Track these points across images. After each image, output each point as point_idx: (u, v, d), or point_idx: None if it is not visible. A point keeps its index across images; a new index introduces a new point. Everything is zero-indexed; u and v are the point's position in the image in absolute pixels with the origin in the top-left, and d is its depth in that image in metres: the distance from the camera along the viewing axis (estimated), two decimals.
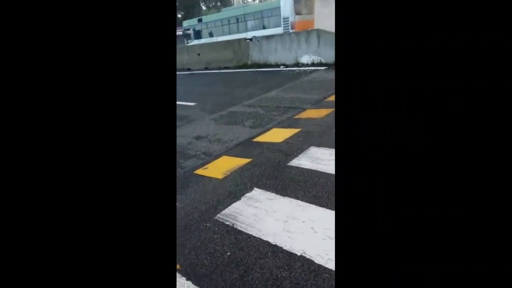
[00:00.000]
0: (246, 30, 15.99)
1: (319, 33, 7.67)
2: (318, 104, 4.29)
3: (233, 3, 20.45)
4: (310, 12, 15.07)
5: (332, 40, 7.36)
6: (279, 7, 14.24)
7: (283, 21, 14.32)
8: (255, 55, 9.30)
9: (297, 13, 14.12)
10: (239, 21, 16.33)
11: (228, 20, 16.89)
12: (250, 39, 9.69)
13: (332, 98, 4.46)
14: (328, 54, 7.45)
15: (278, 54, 8.69)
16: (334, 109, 3.61)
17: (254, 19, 15.70)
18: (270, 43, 8.94)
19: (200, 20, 18.81)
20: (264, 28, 15.25)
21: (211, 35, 17.84)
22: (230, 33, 16.66)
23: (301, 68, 7.65)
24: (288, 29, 14.23)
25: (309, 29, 7.94)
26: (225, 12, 17.85)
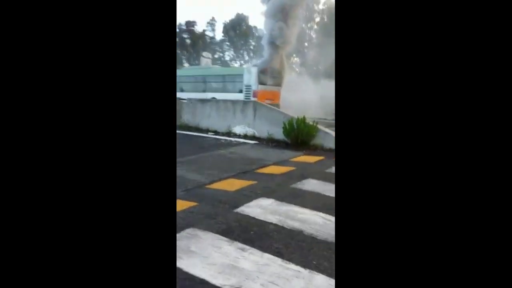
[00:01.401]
0: (206, 91, 15.60)
1: (256, 105, 6.89)
2: (191, 191, 2.99)
3: (200, 63, 20.56)
4: (277, 84, 15.00)
5: (267, 115, 6.53)
6: (242, 74, 14.05)
7: (245, 89, 13.98)
8: (186, 117, 8.39)
9: (262, 83, 13.90)
10: (200, 81, 16.05)
11: (192, 78, 16.59)
12: (184, 99, 8.91)
13: (220, 184, 3.24)
14: (262, 128, 6.52)
15: (211, 120, 7.78)
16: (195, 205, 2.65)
17: (216, 82, 15.38)
18: (205, 107, 8.10)
19: None
20: (224, 91, 14.89)
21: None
22: (191, 91, 16.21)
23: (229, 138, 6.58)
24: (250, 97, 13.83)
25: (246, 101, 7.13)
26: (189, 70, 17.75)
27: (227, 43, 40.71)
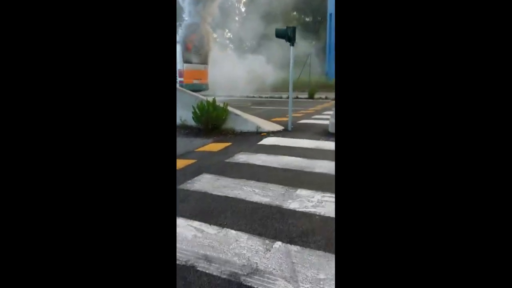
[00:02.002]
0: None
1: None
2: None
3: None
4: (204, 62, 14.22)
5: (179, 98, 5.99)
6: None
7: None
8: None
9: (187, 61, 13.02)
10: None
11: None
12: None
13: None
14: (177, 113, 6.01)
15: None
16: None
17: None
18: None
19: None
20: None
21: None
22: None
23: None
24: (176, 77, 12.93)
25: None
26: None
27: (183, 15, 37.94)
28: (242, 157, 3.67)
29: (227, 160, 3.57)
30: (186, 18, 13.90)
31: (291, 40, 4.77)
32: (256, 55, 18.94)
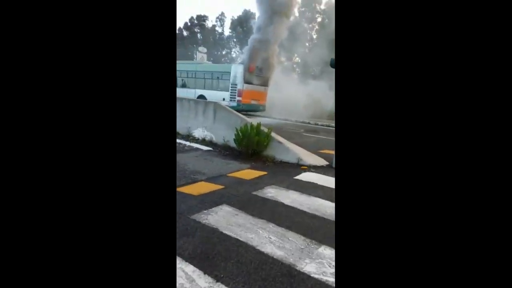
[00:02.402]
0: (197, 87, 14.99)
1: (216, 107, 6.27)
2: None
3: (196, 58, 19.95)
4: (264, 84, 14.35)
5: (226, 118, 5.94)
6: (229, 72, 13.39)
7: (231, 87, 13.37)
8: None
9: (247, 82, 13.26)
10: (190, 77, 15.39)
11: (181, 74, 15.97)
12: None
13: None
14: (220, 133, 5.94)
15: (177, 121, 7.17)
16: None
17: (205, 78, 14.75)
18: None
19: None
20: (213, 89, 14.28)
21: None
22: (181, 87, 15.59)
23: (185, 143, 6.03)
24: (235, 96, 13.23)
25: (208, 102, 6.54)
26: (179, 65, 17.13)
27: (234, 39, 40.14)
28: (271, 192, 3.32)
29: (254, 193, 3.26)
30: (255, 36, 14.22)
31: None
32: (318, 81, 18.55)
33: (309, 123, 13.57)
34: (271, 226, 2.47)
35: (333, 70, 4.35)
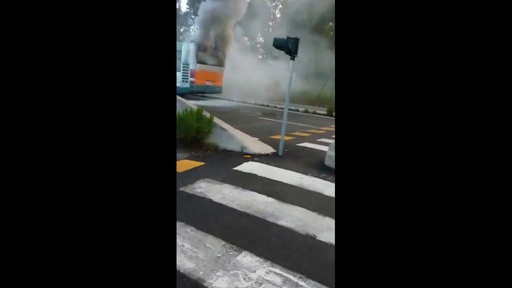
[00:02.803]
0: None
1: None
2: None
3: None
4: (220, 64, 13.68)
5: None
6: (181, 51, 12.49)
7: (183, 67, 12.53)
8: None
9: (201, 61, 12.51)
10: None
11: None
12: None
13: None
14: None
15: None
16: None
17: None
18: None
19: None
20: None
21: None
22: None
23: None
24: (187, 77, 12.46)
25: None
26: None
27: (192, 16, 37.99)
28: (202, 187, 2.96)
29: (181, 188, 2.87)
30: (207, 7, 13.26)
31: (291, 52, 4.00)
32: (280, 62, 18.15)
33: (268, 106, 13.28)
34: (189, 230, 2.12)
35: (300, 50, 3.96)
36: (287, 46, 3.97)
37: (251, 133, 6.02)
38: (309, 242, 2.12)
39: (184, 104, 4.95)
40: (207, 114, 4.68)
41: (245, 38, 26.22)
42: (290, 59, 4.20)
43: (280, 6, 31.46)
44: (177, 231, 2.08)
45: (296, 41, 3.98)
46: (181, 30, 34.72)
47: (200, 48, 12.34)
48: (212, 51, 12.93)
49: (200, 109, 4.65)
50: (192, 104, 5.15)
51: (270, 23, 30.99)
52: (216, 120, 4.71)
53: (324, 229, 2.29)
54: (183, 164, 3.66)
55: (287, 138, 5.89)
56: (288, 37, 4.04)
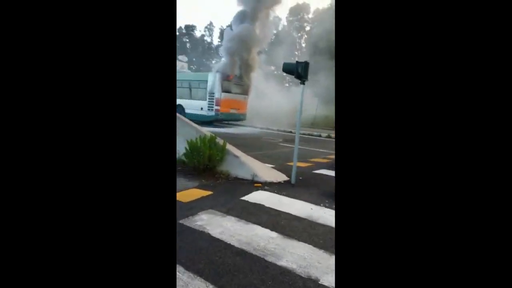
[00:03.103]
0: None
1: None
2: None
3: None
4: (244, 92, 13.87)
5: (181, 129, 5.38)
6: (207, 81, 12.89)
7: (209, 96, 12.86)
8: None
9: (226, 90, 12.76)
10: None
11: None
12: None
13: None
14: (179, 147, 5.37)
15: None
16: None
17: (182, 87, 14.24)
18: None
19: None
20: (190, 98, 13.76)
21: None
22: None
23: None
24: (213, 106, 12.71)
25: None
26: None
27: None
28: (203, 219, 2.78)
29: (181, 221, 2.71)
30: (231, 36, 13.68)
31: (300, 76, 3.85)
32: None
33: (290, 132, 13.08)
34: (178, 270, 1.92)
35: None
36: (296, 70, 3.83)
37: (269, 159, 5.84)
38: (310, 287, 1.82)
39: (199, 131, 4.91)
40: (220, 141, 4.58)
41: (272, 68, 26.69)
42: (300, 83, 4.04)
43: (305, 36, 32.08)
44: None
45: (305, 65, 3.84)
46: (213, 62, 36.28)
47: (225, 77, 12.64)
48: (237, 80, 13.18)
49: (214, 136, 4.58)
50: (206, 131, 5.10)
51: (296, 52, 31.53)
52: (229, 147, 4.60)
53: (329, 270, 1.98)
54: (191, 194, 3.52)
55: (304, 164, 5.61)
56: (297, 61, 3.91)
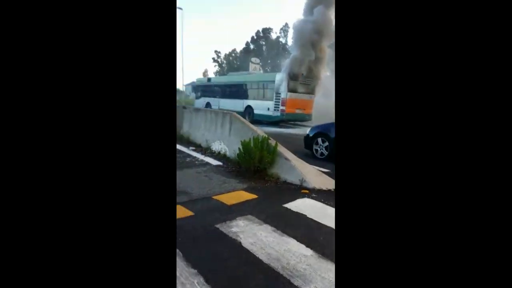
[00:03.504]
0: (245, 98, 14.83)
1: (232, 118, 5.80)
2: None
3: (249, 69, 19.98)
4: (310, 92, 13.40)
5: (241, 130, 5.41)
6: (274, 81, 12.84)
7: (275, 96, 12.80)
8: (185, 127, 7.62)
9: (292, 90, 12.52)
10: (240, 88, 15.29)
11: (231, 85, 16.05)
12: (184, 107, 8.14)
13: None
14: (235, 146, 5.41)
15: (200, 132, 6.93)
16: None
17: (252, 88, 14.51)
18: (198, 116, 7.27)
19: (209, 80, 18.54)
20: (259, 99, 13.90)
21: (214, 95, 17.10)
22: (231, 98, 15.66)
23: (201, 157, 5.68)
24: (279, 106, 12.61)
25: (225, 113, 6.10)
26: (231, 77, 17.27)
27: None
28: (240, 225, 2.66)
29: (217, 225, 2.65)
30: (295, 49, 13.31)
31: None
32: None
33: None
34: (196, 282, 1.84)
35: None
36: None
37: (324, 163, 5.45)
38: None
39: (255, 133, 4.85)
40: (273, 142, 4.43)
41: None
42: None
43: None
44: (183, 279, 1.83)
45: None
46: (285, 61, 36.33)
47: (291, 77, 12.39)
48: (303, 79, 12.78)
49: (265, 137, 4.45)
50: (261, 131, 5.00)
51: None
52: (281, 149, 4.41)
53: None
54: (237, 196, 3.46)
55: None
56: None
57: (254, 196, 3.47)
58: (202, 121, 7.01)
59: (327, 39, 12.91)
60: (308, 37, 12.41)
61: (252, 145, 4.28)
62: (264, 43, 42.55)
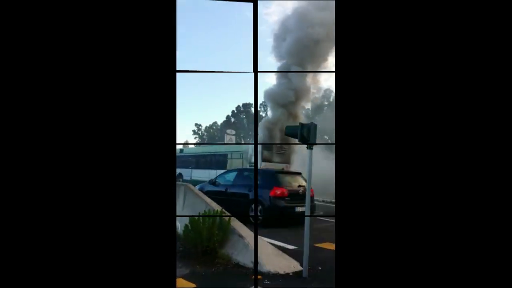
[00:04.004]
0: (219, 168, 14.50)
1: (186, 190, 5.28)
2: None
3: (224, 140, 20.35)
4: (286, 161, 13.30)
5: (194, 204, 4.86)
6: (247, 151, 12.80)
7: (249, 167, 12.56)
8: None
9: (266, 160, 12.38)
10: (213, 158, 15.11)
11: (205, 155, 15.95)
12: None
13: None
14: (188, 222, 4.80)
15: None
16: None
17: (226, 159, 14.30)
18: None
19: (181, 151, 18.54)
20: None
21: (187, 166, 16.79)
22: (204, 168, 15.31)
23: None
24: None
25: (180, 184, 5.65)
26: (203, 147, 17.32)
27: None
28: None
29: None
30: (269, 114, 13.61)
31: (305, 140, 3.20)
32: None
33: (331, 202, 11.76)
34: None
35: None
36: (301, 133, 3.19)
37: (294, 238, 4.85)
38: None
39: (208, 206, 4.34)
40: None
41: (326, 137, 25.99)
42: (307, 148, 3.35)
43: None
44: None
45: (311, 126, 3.18)
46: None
47: (265, 147, 12.45)
48: (277, 148, 12.82)
49: (218, 210, 3.94)
50: (216, 205, 4.49)
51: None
52: (235, 225, 3.86)
53: None
54: None
55: (333, 247, 4.50)
56: (301, 123, 3.30)
57: (192, 286, 2.81)
58: None
59: (302, 101, 13.36)
60: (281, 98, 12.77)
61: (201, 221, 3.74)
62: (245, 116, 44.71)
